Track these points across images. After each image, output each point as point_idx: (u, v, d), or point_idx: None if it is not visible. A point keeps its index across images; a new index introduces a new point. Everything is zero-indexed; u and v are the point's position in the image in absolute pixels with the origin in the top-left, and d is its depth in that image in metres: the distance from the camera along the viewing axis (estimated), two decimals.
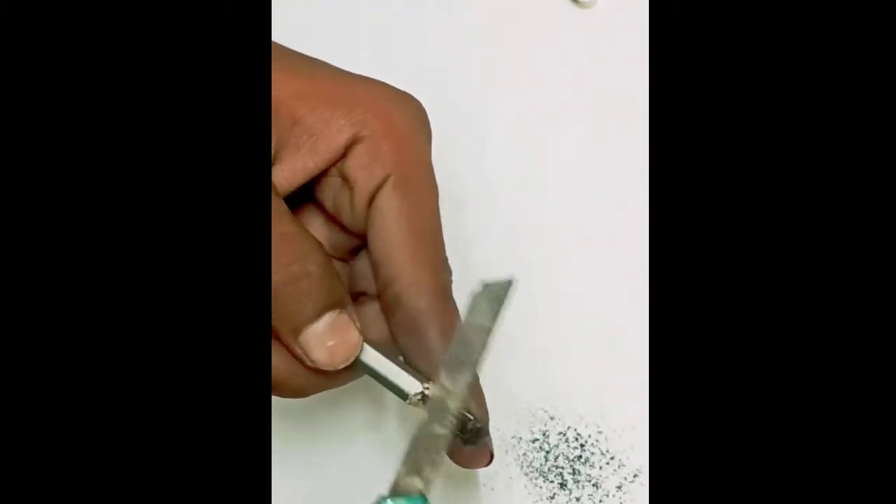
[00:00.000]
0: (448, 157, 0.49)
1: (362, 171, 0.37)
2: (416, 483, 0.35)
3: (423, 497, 0.35)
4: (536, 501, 0.44)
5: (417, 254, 0.37)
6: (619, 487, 0.44)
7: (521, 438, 0.45)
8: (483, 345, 0.36)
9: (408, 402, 0.36)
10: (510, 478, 0.44)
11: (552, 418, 0.45)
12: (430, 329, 0.37)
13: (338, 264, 0.39)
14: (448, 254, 0.47)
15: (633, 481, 0.44)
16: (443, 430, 0.35)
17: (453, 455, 0.37)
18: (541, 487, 0.44)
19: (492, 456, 0.37)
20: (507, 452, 0.44)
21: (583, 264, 0.48)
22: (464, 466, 0.38)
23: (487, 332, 0.36)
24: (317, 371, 0.36)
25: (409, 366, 0.37)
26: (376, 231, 0.37)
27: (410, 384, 0.36)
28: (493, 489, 0.44)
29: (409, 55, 0.51)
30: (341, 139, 0.37)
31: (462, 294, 0.47)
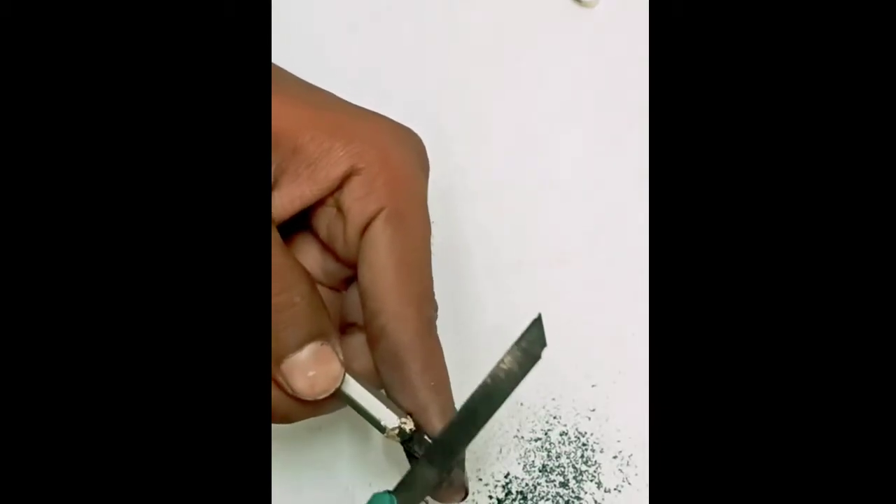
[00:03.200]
0: (449, 157, 0.50)
1: (357, 202, 0.37)
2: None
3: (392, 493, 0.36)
4: (538, 500, 0.44)
5: (404, 287, 0.37)
6: (620, 486, 0.44)
7: (522, 437, 0.45)
8: (501, 403, 0.36)
9: (385, 434, 0.37)
10: (513, 477, 0.44)
11: (554, 417, 0.45)
12: (411, 363, 0.37)
13: (331, 293, 0.40)
14: (448, 252, 0.48)
15: (634, 480, 0.44)
16: (437, 479, 0.36)
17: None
18: (542, 486, 0.44)
19: (466, 492, 0.38)
20: (509, 451, 0.44)
21: (583, 263, 0.48)
22: (439, 501, 0.38)
23: (509, 392, 0.36)
24: (298, 399, 0.36)
25: (391, 399, 0.38)
26: (366, 262, 0.38)
27: (388, 418, 0.37)
28: (493, 487, 0.44)
29: (411, 54, 0.51)
30: (339, 170, 0.37)
31: (461, 296, 0.47)
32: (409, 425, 0.37)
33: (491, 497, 0.44)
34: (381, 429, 0.37)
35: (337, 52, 0.51)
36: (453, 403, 0.38)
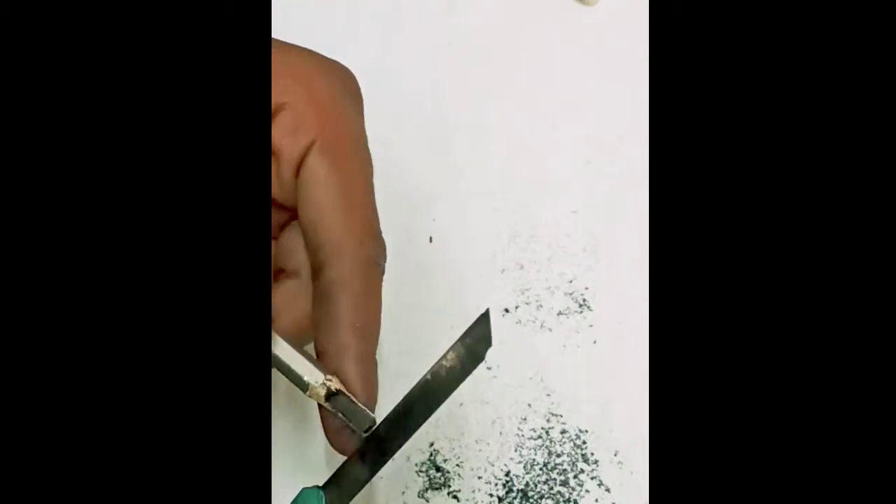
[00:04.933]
0: (450, 155, 0.50)
1: (286, 139, 0.36)
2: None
3: (320, 487, 0.35)
4: (538, 498, 0.44)
5: (344, 220, 0.36)
6: (620, 485, 0.44)
7: (523, 435, 0.45)
8: (441, 402, 0.35)
9: (308, 393, 0.35)
10: (514, 475, 0.44)
11: (554, 415, 0.45)
12: (341, 298, 0.36)
13: None
14: (448, 253, 0.48)
15: (634, 479, 0.44)
16: (368, 476, 0.35)
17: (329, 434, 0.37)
18: (543, 484, 0.44)
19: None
20: (510, 449, 0.45)
21: (583, 262, 0.48)
22: (335, 448, 0.37)
23: (450, 392, 0.35)
24: None
25: (317, 353, 0.36)
26: (305, 198, 0.36)
27: (313, 374, 0.35)
28: (494, 486, 0.44)
29: (411, 54, 0.51)
30: None
31: (461, 295, 0.47)
32: (334, 384, 0.35)
33: (491, 495, 0.44)
34: (304, 386, 0.35)
35: (337, 52, 0.51)
36: (374, 353, 0.36)
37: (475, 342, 0.35)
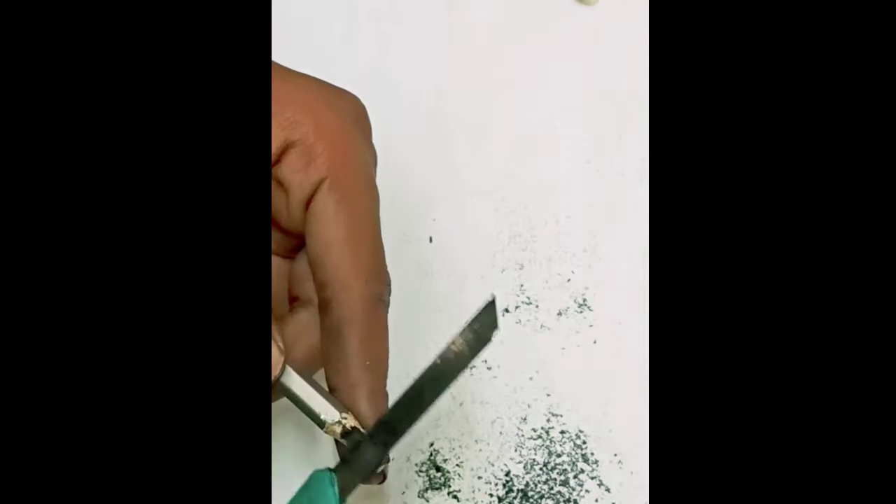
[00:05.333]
0: (450, 155, 0.50)
1: (297, 175, 0.36)
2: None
3: (332, 470, 0.36)
4: (538, 498, 0.44)
5: (352, 259, 0.36)
6: (620, 485, 0.44)
7: (523, 435, 0.45)
8: (449, 384, 0.36)
9: (324, 430, 0.36)
10: (514, 475, 0.44)
11: (554, 415, 0.45)
12: (350, 337, 0.36)
13: (280, 261, 0.39)
14: (448, 253, 0.48)
15: (634, 479, 0.44)
16: (379, 458, 0.36)
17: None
18: (543, 484, 0.44)
19: (384, 478, 0.37)
20: (510, 449, 0.45)
21: (583, 262, 0.48)
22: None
23: (457, 374, 0.36)
24: None
25: (329, 387, 0.37)
26: (312, 235, 0.37)
27: (328, 412, 0.36)
28: (494, 485, 0.44)
29: (411, 54, 0.51)
30: (273, 145, 0.36)
31: (460, 295, 0.47)
32: (349, 422, 0.36)
33: (492, 495, 0.44)
34: (321, 423, 0.36)
35: (337, 52, 0.51)
36: (385, 387, 0.37)
37: (483, 327, 0.35)
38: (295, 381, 0.36)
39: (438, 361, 0.35)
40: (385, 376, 0.37)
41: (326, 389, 0.37)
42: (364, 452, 0.36)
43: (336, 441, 0.37)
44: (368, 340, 0.37)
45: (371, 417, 0.36)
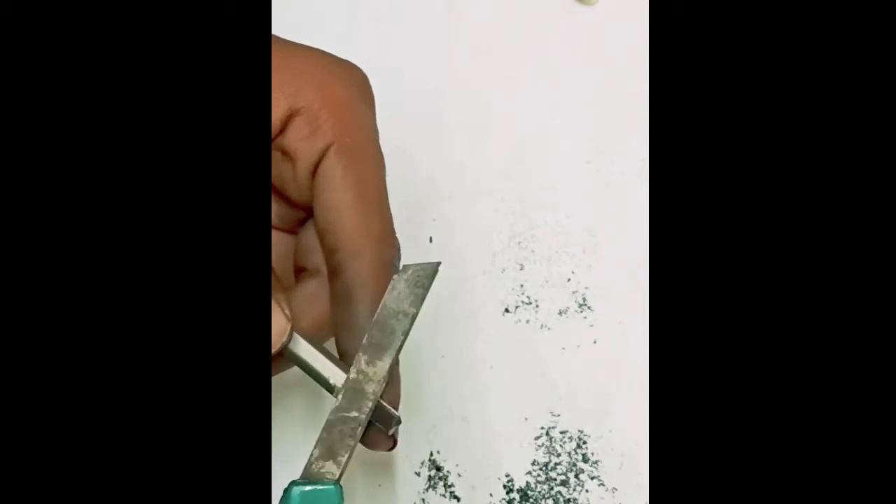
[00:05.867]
0: (450, 155, 0.50)
1: (303, 142, 0.36)
2: (330, 468, 0.35)
3: (337, 484, 0.35)
4: (538, 499, 0.44)
5: (362, 223, 0.36)
6: (620, 486, 0.44)
7: (523, 435, 0.45)
8: (404, 330, 0.36)
9: (334, 394, 0.36)
10: (514, 475, 0.44)
11: (555, 415, 0.45)
12: (361, 300, 0.36)
13: (286, 236, 0.39)
14: (448, 253, 0.48)
15: (634, 480, 0.44)
16: (359, 415, 0.35)
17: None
18: (543, 485, 0.44)
19: (395, 443, 0.37)
20: (510, 450, 0.45)
21: (583, 262, 0.48)
22: (364, 446, 0.37)
23: (409, 317, 0.36)
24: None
25: (339, 353, 0.37)
26: (321, 202, 0.37)
27: (338, 376, 0.36)
28: (494, 486, 0.44)
29: (411, 53, 0.51)
30: (278, 114, 0.36)
31: (460, 295, 0.47)
32: (350, 373, 0.35)
33: (492, 495, 0.44)
34: (330, 388, 0.36)
35: (337, 52, 0.51)
36: (397, 372, 0.37)
37: (421, 269, 0.36)
38: (303, 348, 0.36)
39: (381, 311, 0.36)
40: (396, 365, 0.37)
41: (335, 356, 0.37)
42: (345, 411, 0.35)
43: None
44: (379, 303, 0.36)
45: None
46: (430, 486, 0.44)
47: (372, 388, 0.35)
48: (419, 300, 0.36)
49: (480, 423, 0.45)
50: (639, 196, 0.48)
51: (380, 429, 0.36)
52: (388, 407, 0.36)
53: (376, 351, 0.35)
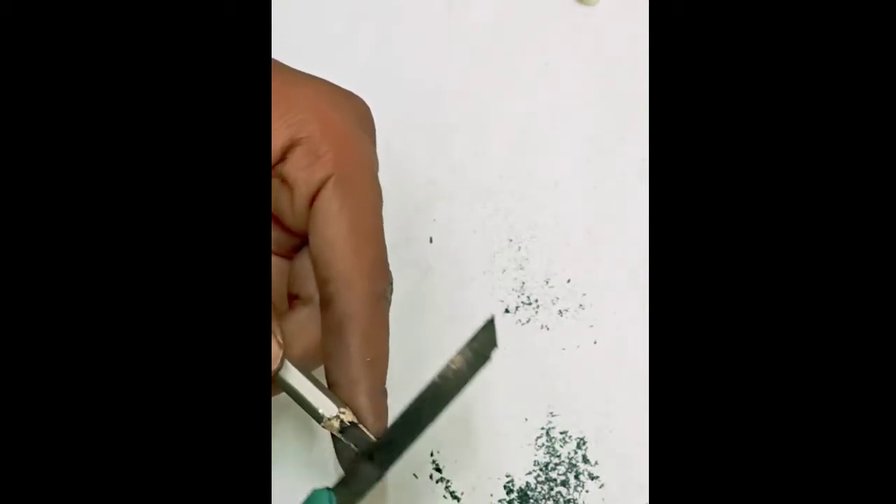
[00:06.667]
0: (450, 155, 0.50)
1: (302, 172, 0.37)
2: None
3: (329, 490, 0.35)
4: (538, 499, 0.44)
5: (355, 256, 0.37)
6: (620, 486, 0.44)
7: (523, 435, 0.45)
8: (448, 403, 0.35)
9: (322, 424, 0.36)
10: (514, 476, 0.44)
11: (554, 415, 0.45)
12: (352, 333, 0.37)
13: (281, 261, 0.39)
14: (448, 253, 0.48)
15: (634, 480, 0.44)
16: (377, 476, 0.36)
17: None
18: (543, 485, 0.44)
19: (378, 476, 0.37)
20: (509, 450, 0.45)
21: (583, 263, 0.48)
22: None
23: (457, 393, 0.35)
24: None
25: (328, 383, 0.37)
26: (316, 232, 0.37)
27: (327, 406, 0.36)
28: (494, 486, 0.44)
29: (412, 53, 0.51)
30: (279, 142, 0.36)
31: (460, 295, 0.47)
32: (347, 416, 0.36)
33: (492, 495, 0.44)
34: (319, 417, 0.36)
35: (337, 52, 0.51)
36: (384, 384, 0.37)
37: (482, 346, 0.35)
38: (293, 376, 0.36)
39: (438, 380, 0.35)
40: (385, 373, 0.37)
41: (325, 385, 0.37)
42: (363, 471, 0.36)
43: (333, 436, 0.37)
44: (370, 337, 0.37)
45: (370, 413, 0.37)
46: (430, 486, 0.44)
47: (396, 456, 0.36)
48: (473, 375, 0.35)
49: (480, 424, 0.45)
50: (639, 196, 0.48)
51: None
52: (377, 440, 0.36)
53: (413, 423, 0.35)
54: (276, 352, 0.36)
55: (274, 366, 0.36)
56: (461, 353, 0.35)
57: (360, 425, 0.36)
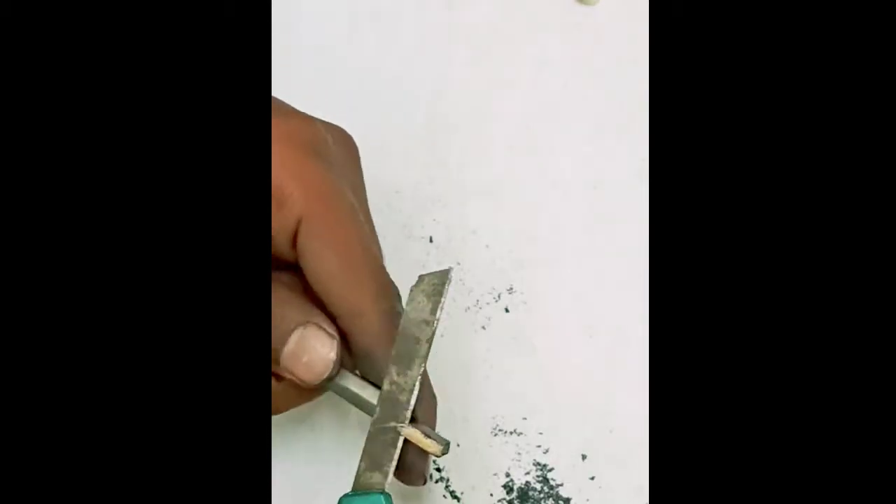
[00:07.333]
0: (450, 155, 0.50)
1: (273, 220, 0.36)
2: (377, 478, 0.36)
3: (385, 493, 0.36)
4: (538, 499, 0.44)
5: (354, 288, 0.37)
6: (619, 486, 0.44)
7: (523, 435, 0.45)
8: (427, 338, 0.37)
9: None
10: (513, 476, 0.44)
11: (554, 416, 0.45)
12: (379, 356, 0.37)
13: (288, 275, 0.39)
14: (448, 253, 0.48)
15: (634, 480, 0.44)
16: (397, 424, 0.37)
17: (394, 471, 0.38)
18: (542, 485, 0.44)
19: (425, 480, 0.39)
20: (509, 450, 0.44)
21: (583, 262, 0.48)
22: (400, 481, 0.39)
23: (430, 325, 0.37)
24: (295, 387, 0.37)
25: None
26: (308, 271, 0.37)
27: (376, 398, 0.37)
28: (493, 486, 0.44)
29: (412, 53, 0.51)
30: None
31: (460, 295, 0.47)
32: (383, 387, 0.37)
33: (491, 495, 0.44)
34: (371, 409, 0.37)
35: (337, 52, 0.51)
36: (432, 391, 0.39)
37: (437, 278, 0.37)
38: (351, 380, 0.38)
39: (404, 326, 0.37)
40: (428, 377, 0.38)
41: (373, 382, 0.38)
42: (384, 422, 0.37)
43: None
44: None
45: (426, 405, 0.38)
46: (430, 486, 0.44)
47: (405, 397, 0.37)
48: (438, 307, 0.37)
49: (480, 423, 0.45)
50: (639, 196, 0.48)
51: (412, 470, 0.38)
52: (432, 433, 0.38)
53: (404, 361, 0.37)
54: (327, 348, 0.37)
55: (328, 363, 0.37)
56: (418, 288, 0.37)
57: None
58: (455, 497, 0.44)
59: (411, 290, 0.37)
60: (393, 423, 0.37)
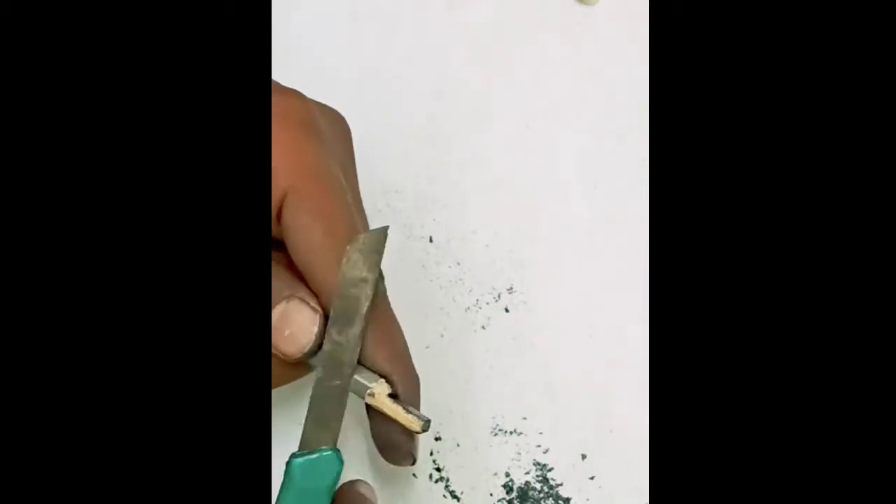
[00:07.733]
0: (450, 155, 0.50)
1: None
2: (325, 436, 0.37)
3: (335, 449, 0.36)
4: (538, 499, 0.44)
5: (337, 262, 0.37)
6: (619, 486, 0.44)
7: (523, 435, 0.45)
8: (366, 296, 0.37)
9: (366, 396, 0.37)
10: (513, 476, 0.44)
11: (554, 416, 0.45)
12: (365, 339, 0.37)
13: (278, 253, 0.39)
14: (448, 253, 0.48)
15: (634, 480, 0.44)
16: (341, 382, 0.37)
17: (381, 451, 0.39)
18: (542, 485, 0.44)
19: (414, 460, 0.39)
20: (508, 450, 0.45)
21: (583, 262, 0.48)
22: (388, 461, 0.39)
23: (368, 283, 0.37)
24: (282, 363, 0.37)
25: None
26: (293, 246, 0.37)
27: (369, 378, 0.37)
28: (493, 486, 0.44)
29: (412, 52, 0.51)
30: None
31: (460, 295, 0.47)
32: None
33: (491, 495, 0.44)
34: (363, 389, 0.37)
35: (337, 52, 0.51)
36: (413, 371, 0.38)
37: (373, 241, 0.37)
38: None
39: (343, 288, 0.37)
40: (408, 360, 0.38)
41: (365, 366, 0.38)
42: (328, 381, 0.37)
43: (373, 420, 0.38)
44: (382, 338, 0.38)
45: (400, 375, 0.38)
46: (429, 486, 0.44)
47: (347, 356, 0.37)
48: (375, 266, 0.37)
49: (480, 423, 0.45)
50: (639, 196, 0.48)
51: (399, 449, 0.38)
52: (414, 410, 0.37)
53: (344, 320, 0.37)
54: (309, 318, 0.37)
55: (311, 334, 0.37)
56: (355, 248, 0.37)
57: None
58: (455, 497, 0.44)
59: (348, 250, 0.36)
60: (337, 382, 0.37)
